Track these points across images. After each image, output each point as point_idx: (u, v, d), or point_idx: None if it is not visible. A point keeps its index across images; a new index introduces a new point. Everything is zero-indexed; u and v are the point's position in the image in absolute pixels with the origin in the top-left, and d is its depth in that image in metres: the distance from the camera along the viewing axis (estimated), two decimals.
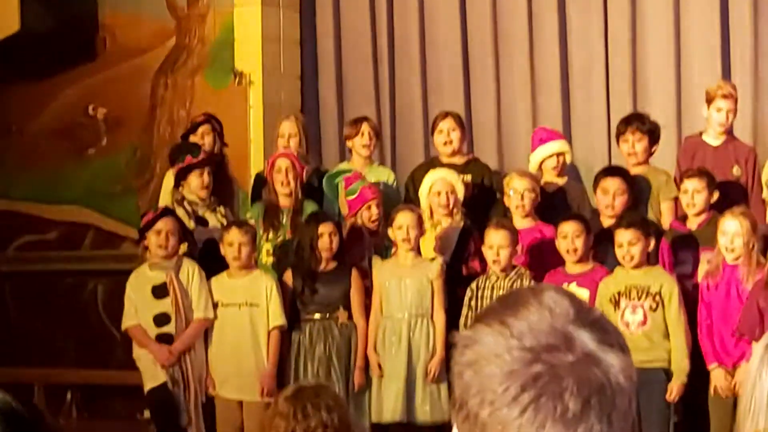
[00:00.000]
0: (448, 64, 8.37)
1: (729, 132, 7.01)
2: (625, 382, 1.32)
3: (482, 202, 7.24)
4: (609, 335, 1.33)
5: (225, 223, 7.03)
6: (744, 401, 2.28)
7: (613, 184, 6.79)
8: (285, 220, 7.07)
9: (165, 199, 7.28)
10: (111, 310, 8.23)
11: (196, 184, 7.11)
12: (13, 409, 1.73)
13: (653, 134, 7.10)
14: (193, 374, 6.65)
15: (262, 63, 8.42)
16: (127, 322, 6.81)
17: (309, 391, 3.46)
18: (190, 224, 7.02)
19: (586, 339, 1.31)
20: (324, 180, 7.41)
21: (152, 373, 6.68)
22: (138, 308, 6.77)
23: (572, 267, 6.56)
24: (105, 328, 8.45)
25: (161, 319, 6.71)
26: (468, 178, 7.23)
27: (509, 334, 1.31)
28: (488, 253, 6.52)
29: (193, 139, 7.54)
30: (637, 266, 6.36)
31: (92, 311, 8.65)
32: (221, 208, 7.21)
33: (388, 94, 8.53)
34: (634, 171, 7.00)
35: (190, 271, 6.74)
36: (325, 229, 6.73)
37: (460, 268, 6.90)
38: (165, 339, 6.68)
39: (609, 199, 6.78)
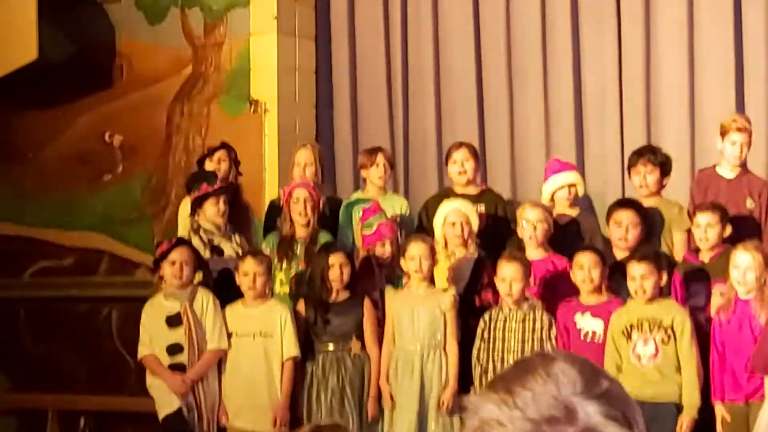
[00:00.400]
0: (462, 94, 8.40)
1: (743, 165, 7.02)
2: None
3: (496, 233, 7.25)
4: (615, 408, 1.34)
5: (240, 251, 7.06)
6: None
7: (626, 216, 6.82)
8: (299, 250, 7.10)
9: (183, 228, 7.32)
10: (125, 336, 8.26)
11: (212, 212, 7.14)
12: None
13: (665, 166, 7.12)
14: (206, 404, 6.68)
15: (277, 91, 8.45)
16: (142, 351, 6.84)
17: (326, 430, 3.47)
18: (206, 253, 7.04)
19: (591, 412, 1.33)
20: (342, 209, 7.43)
21: (167, 401, 6.70)
22: (152, 338, 6.80)
23: (587, 297, 6.57)
24: (119, 354, 8.47)
25: (174, 349, 6.73)
26: (482, 208, 7.24)
27: (513, 403, 1.33)
28: (501, 286, 6.54)
29: (208, 165, 7.59)
30: (650, 300, 6.37)
31: (106, 337, 8.67)
32: (237, 237, 7.24)
33: (402, 123, 8.56)
34: (646, 203, 7.02)
35: (205, 301, 6.76)
36: (335, 260, 6.75)
37: (473, 298, 6.91)
38: (178, 369, 6.70)
39: (622, 232, 6.80)
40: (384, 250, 6.99)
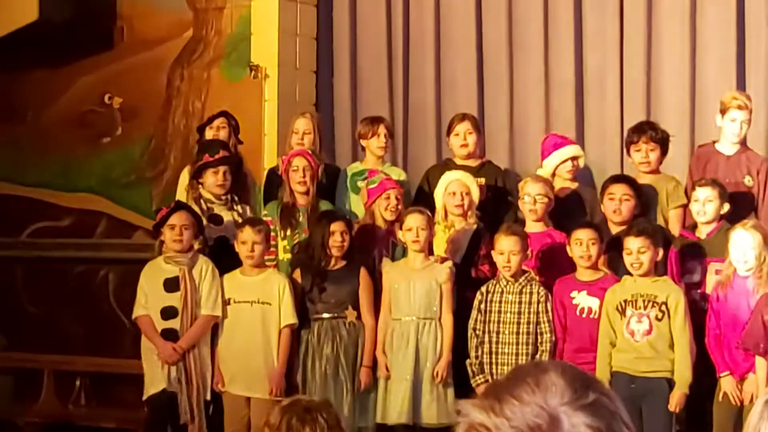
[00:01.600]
0: (462, 64, 8.38)
1: (742, 142, 7.04)
2: None
3: (495, 205, 7.28)
4: (601, 420, 1.37)
5: (240, 220, 7.06)
6: None
7: (619, 189, 6.85)
8: (302, 218, 7.11)
9: (180, 196, 7.32)
10: (122, 298, 8.28)
11: (211, 181, 7.13)
12: None
13: (665, 143, 7.14)
14: (196, 372, 6.68)
15: (278, 57, 8.44)
16: (137, 311, 6.85)
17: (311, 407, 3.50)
18: (204, 222, 7.04)
19: (576, 422, 1.36)
20: (348, 179, 7.44)
21: (153, 380, 6.72)
22: (148, 299, 6.82)
23: (583, 274, 6.59)
24: (115, 316, 8.50)
25: (168, 313, 6.73)
26: (482, 181, 7.26)
27: (500, 410, 1.37)
28: (499, 259, 6.56)
29: (208, 133, 7.58)
30: (645, 275, 6.39)
31: (103, 299, 8.70)
32: (239, 207, 7.24)
33: (402, 92, 8.55)
34: (645, 179, 7.04)
35: (205, 268, 6.78)
36: (336, 227, 6.77)
37: (469, 270, 6.94)
38: (169, 333, 6.71)
39: (616, 204, 6.82)
40: (389, 202, 6.98)
